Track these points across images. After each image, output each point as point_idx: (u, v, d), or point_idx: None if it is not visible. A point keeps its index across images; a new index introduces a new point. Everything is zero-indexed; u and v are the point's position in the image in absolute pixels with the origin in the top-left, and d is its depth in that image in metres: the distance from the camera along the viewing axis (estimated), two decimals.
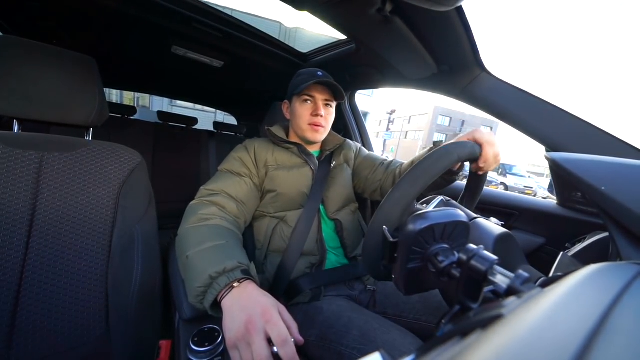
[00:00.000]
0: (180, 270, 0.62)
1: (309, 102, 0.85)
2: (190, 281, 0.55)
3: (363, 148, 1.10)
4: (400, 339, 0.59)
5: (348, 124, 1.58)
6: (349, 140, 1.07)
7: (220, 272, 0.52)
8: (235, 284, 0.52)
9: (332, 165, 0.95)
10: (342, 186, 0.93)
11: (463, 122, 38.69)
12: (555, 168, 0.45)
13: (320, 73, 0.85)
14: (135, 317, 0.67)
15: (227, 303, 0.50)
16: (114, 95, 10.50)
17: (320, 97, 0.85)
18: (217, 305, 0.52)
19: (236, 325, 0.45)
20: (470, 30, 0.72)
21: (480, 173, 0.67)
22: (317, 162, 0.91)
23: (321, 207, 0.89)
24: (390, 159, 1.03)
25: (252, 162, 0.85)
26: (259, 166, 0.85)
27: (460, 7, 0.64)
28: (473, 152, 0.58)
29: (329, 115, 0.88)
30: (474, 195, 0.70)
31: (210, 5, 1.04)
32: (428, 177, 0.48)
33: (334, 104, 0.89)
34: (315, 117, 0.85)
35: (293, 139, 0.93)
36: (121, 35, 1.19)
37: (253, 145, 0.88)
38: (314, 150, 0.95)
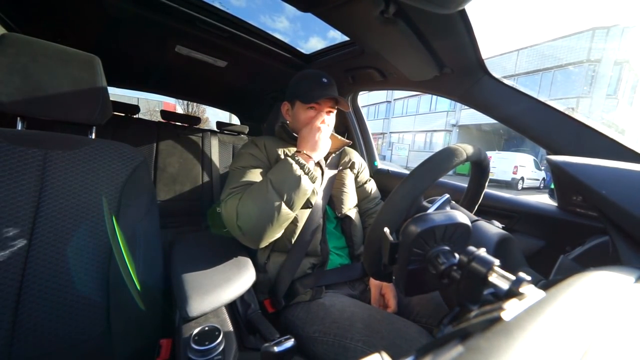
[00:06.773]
0: (267, 192, 0.67)
1: (313, 109, 0.85)
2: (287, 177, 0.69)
3: (367, 170, 1.09)
4: (404, 329, 0.60)
5: (350, 126, 1.58)
6: (357, 153, 1.07)
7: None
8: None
9: (339, 168, 0.95)
10: (350, 187, 0.94)
11: None
12: (557, 171, 0.45)
13: (325, 80, 0.83)
14: (136, 316, 0.67)
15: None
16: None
17: (324, 107, 0.84)
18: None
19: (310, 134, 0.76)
20: (473, 33, 0.72)
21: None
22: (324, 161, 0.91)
23: (327, 207, 0.89)
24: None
25: (265, 157, 0.83)
26: (271, 161, 0.83)
27: (464, 9, 0.64)
28: (482, 155, 0.59)
29: (331, 121, 0.87)
30: (474, 199, 0.71)
31: (214, 5, 1.04)
32: (439, 171, 0.48)
33: (335, 110, 0.89)
34: None
35: None
36: (125, 34, 1.20)
37: (262, 142, 0.86)
38: None
